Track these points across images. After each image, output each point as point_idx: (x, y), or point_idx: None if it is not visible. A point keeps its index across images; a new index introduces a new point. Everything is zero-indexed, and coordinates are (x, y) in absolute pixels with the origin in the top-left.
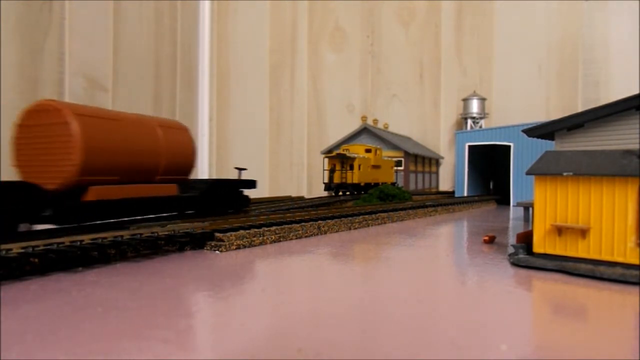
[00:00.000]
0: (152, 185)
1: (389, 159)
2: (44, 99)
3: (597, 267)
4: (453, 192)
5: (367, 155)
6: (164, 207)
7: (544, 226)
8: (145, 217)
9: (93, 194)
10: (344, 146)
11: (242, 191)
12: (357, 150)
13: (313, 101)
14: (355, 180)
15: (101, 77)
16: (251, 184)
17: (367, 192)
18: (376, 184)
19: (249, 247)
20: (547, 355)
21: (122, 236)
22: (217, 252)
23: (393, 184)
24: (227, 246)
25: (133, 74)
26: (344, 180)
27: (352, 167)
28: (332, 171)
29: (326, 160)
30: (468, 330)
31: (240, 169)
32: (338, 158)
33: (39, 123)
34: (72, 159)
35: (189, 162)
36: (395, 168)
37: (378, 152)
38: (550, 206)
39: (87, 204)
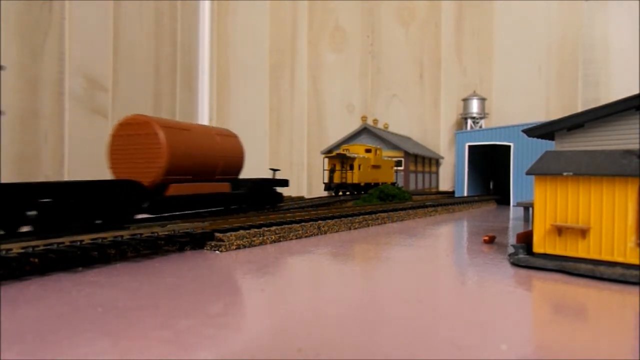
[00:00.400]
0: (212, 184)
1: (389, 159)
2: (135, 114)
3: (597, 267)
4: (453, 192)
5: (367, 155)
6: (221, 202)
7: (544, 226)
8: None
9: (173, 189)
10: (344, 146)
11: (276, 189)
12: (357, 150)
13: (313, 101)
14: (355, 180)
15: (101, 77)
16: (285, 182)
17: (367, 192)
18: (376, 184)
19: (249, 247)
20: (547, 355)
21: (122, 236)
22: (217, 252)
23: (393, 184)
24: (227, 246)
25: (133, 74)
26: (344, 180)
27: (352, 167)
28: (332, 171)
29: (326, 160)
30: (468, 330)
31: (274, 170)
32: (338, 158)
33: (132, 133)
34: (160, 161)
35: (239, 164)
36: (395, 168)
37: (378, 152)
38: (550, 206)
39: (169, 198)
